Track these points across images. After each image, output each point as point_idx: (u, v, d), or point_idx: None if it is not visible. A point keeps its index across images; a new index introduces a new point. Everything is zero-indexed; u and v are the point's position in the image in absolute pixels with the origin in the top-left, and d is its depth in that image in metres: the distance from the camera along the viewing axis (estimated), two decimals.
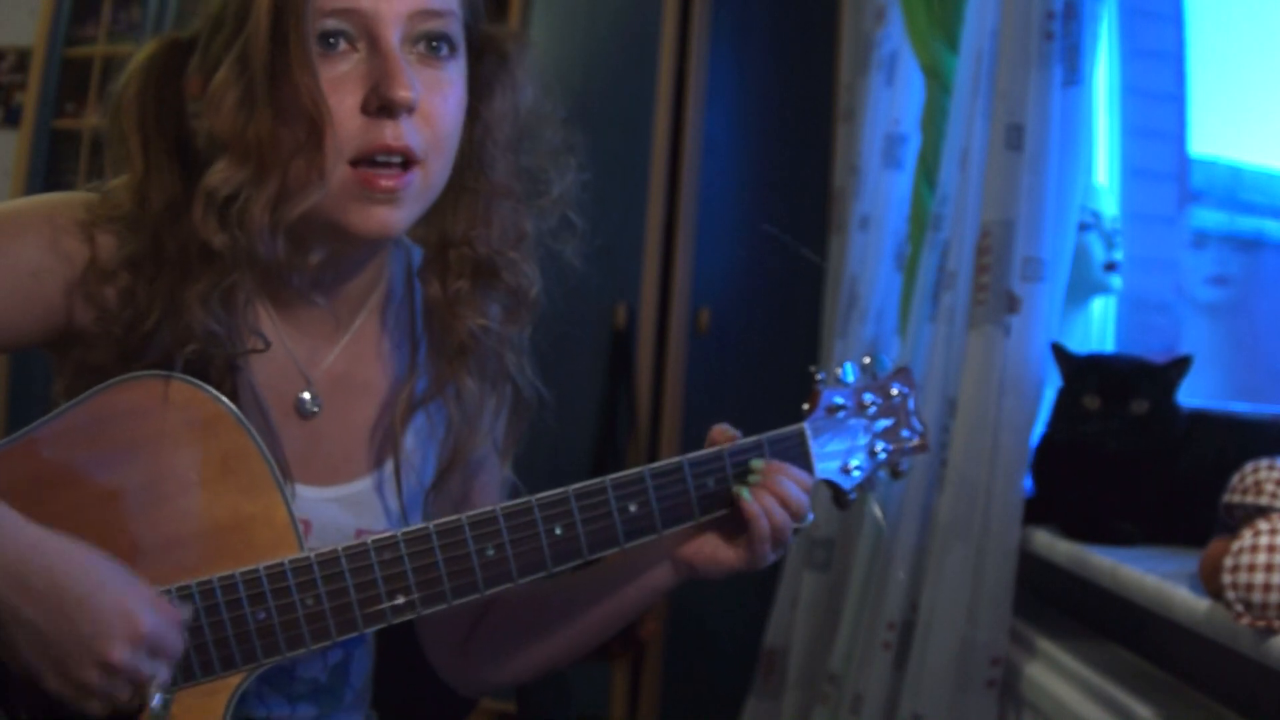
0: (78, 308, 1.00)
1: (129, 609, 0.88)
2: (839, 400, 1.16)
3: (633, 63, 3.00)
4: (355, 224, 0.99)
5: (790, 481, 1.08)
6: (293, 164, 0.96)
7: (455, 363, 1.09)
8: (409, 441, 1.12)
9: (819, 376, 1.17)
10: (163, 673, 0.90)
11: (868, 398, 1.18)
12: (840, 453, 1.16)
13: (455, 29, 1.02)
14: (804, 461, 1.13)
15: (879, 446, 1.18)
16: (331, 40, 0.97)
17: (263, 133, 0.96)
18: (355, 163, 0.98)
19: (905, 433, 1.20)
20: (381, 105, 0.96)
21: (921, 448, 1.21)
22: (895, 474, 1.21)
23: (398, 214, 1.00)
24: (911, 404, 1.21)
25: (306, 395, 1.08)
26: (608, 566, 1.14)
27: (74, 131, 3.89)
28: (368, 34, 0.97)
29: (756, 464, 1.09)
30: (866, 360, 1.20)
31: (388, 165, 0.98)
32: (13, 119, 3.93)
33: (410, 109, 0.97)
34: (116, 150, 1.02)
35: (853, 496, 1.17)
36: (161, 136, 1.01)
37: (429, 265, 1.10)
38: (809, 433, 1.14)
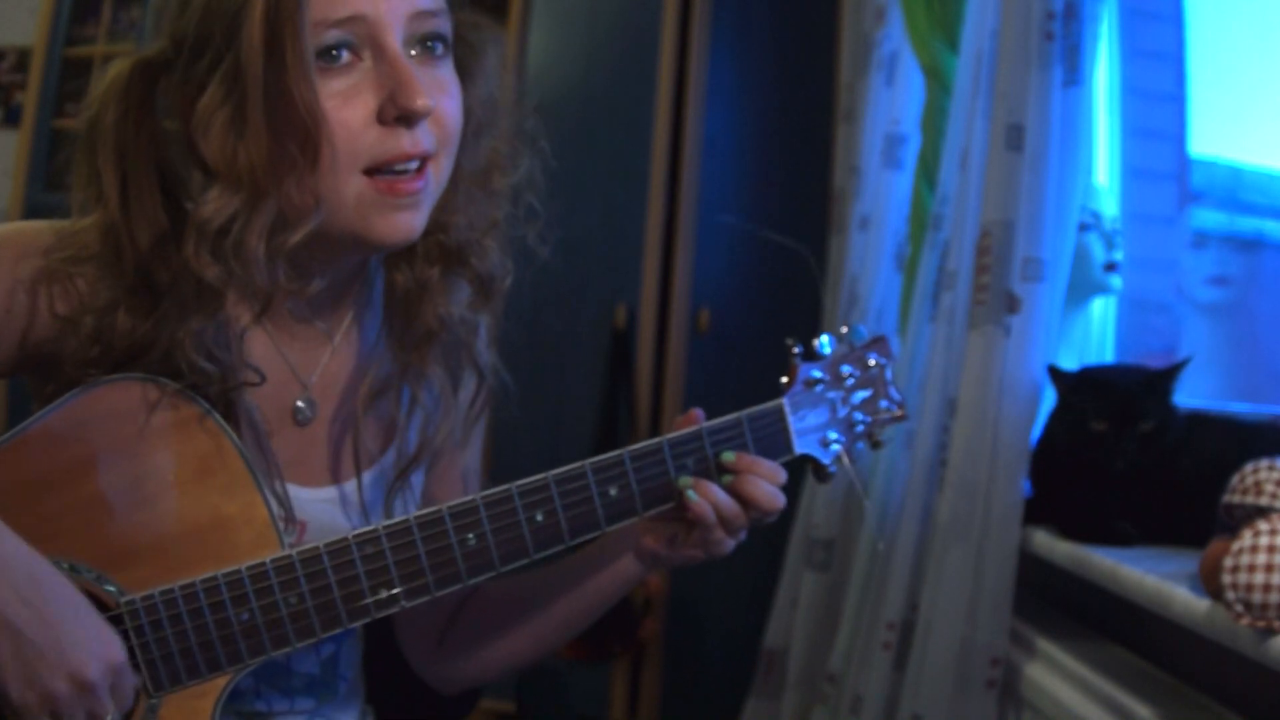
0: (49, 339, 0.98)
1: (108, 637, 0.91)
2: (816, 374, 1.15)
3: (633, 63, 3.00)
4: (380, 233, 0.98)
5: (759, 479, 1.07)
6: (288, 188, 0.94)
7: (420, 350, 1.08)
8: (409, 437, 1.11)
9: (795, 350, 1.14)
10: (115, 717, 0.91)
11: (845, 369, 1.16)
12: (819, 426, 1.15)
13: (447, 27, 1.01)
14: (784, 438, 1.12)
15: (857, 418, 1.17)
16: (335, 53, 0.94)
17: (255, 156, 0.93)
18: (371, 172, 0.97)
19: (883, 403, 1.19)
20: (400, 115, 0.95)
21: (900, 417, 1.20)
22: (874, 444, 1.20)
23: (418, 217, 0.99)
24: (889, 374, 1.19)
25: (302, 403, 1.08)
26: (576, 559, 1.14)
27: (74, 132, 3.88)
28: (372, 42, 0.95)
29: (728, 458, 1.07)
30: (843, 329, 1.18)
31: (405, 171, 0.97)
32: (13, 119, 3.93)
33: (428, 115, 0.97)
34: (87, 186, 0.99)
35: (832, 470, 1.16)
36: (143, 168, 0.98)
37: (398, 253, 1.07)
38: (788, 408, 1.13)
